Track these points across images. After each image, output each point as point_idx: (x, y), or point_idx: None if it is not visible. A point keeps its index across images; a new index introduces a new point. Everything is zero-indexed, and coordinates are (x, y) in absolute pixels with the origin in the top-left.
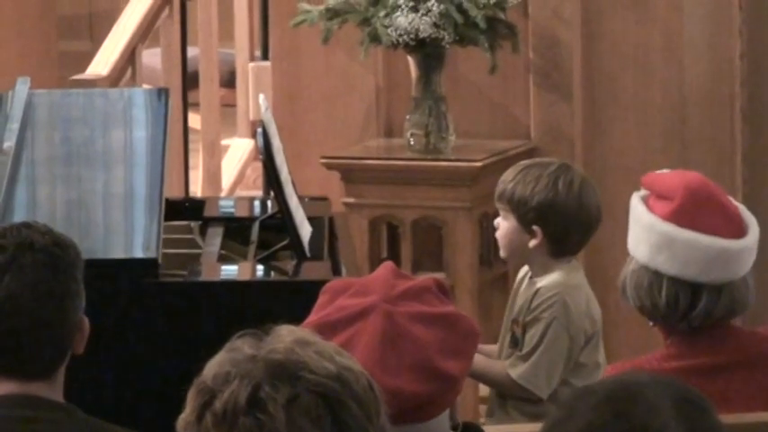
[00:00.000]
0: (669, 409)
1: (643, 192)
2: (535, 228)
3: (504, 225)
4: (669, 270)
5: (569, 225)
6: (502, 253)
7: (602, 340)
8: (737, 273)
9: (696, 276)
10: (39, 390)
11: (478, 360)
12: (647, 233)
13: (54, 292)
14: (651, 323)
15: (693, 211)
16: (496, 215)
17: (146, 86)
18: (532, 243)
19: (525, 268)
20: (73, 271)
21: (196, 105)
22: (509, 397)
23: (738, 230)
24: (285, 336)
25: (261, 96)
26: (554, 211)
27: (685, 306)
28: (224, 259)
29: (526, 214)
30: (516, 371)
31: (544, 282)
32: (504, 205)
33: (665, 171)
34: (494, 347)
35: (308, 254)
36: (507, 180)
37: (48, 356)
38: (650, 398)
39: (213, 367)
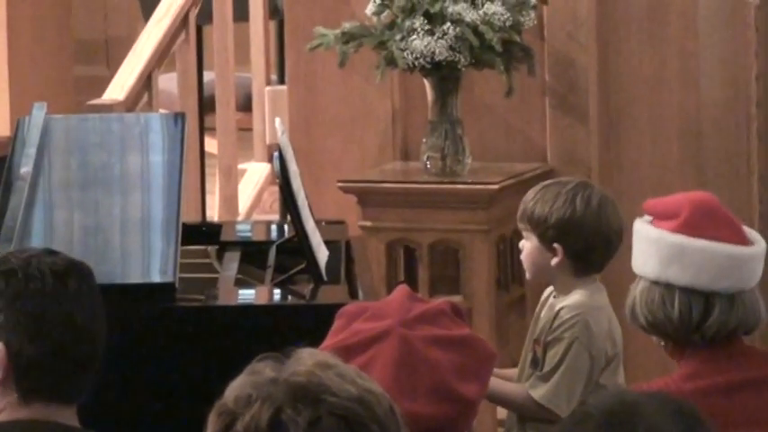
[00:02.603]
0: (669, 425)
1: (646, 218)
2: (556, 246)
3: (526, 246)
4: (681, 280)
5: (589, 242)
6: (527, 274)
7: (622, 363)
8: (748, 282)
9: (708, 284)
10: (65, 415)
11: (497, 383)
12: (655, 248)
13: (104, 317)
14: (662, 343)
15: (701, 222)
16: (513, 238)
17: (162, 111)
18: (554, 261)
19: (550, 288)
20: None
21: (212, 130)
22: (528, 419)
23: (745, 241)
24: (306, 358)
25: (277, 120)
26: (572, 228)
27: (699, 316)
28: (241, 283)
29: (546, 232)
30: (538, 392)
31: (566, 302)
32: (525, 225)
33: (664, 197)
34: (513, 371)
35: (325, 278)
36: (528, 200)
37: (92, 380)
38: (649, 415)
39: (234, 390)
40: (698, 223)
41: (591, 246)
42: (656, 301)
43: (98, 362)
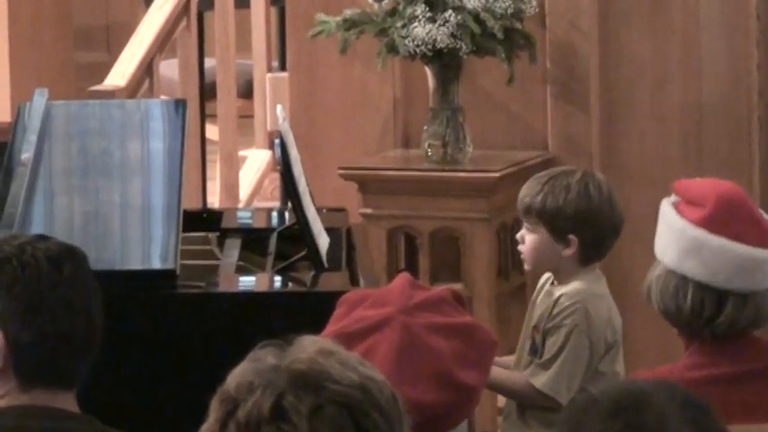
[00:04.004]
0: (677, 414)
1: (673, 198)
2: (571, 237)
3: (532, 238)
4: (696, 275)
5: (604, 230)
6: (528, 265)
7: (622, 349)
8: (764, 283)
9: (723, 283)
10: (65, 400)
11: (497, 372)
12: (676, 238)
13: (98, 300)
14: (675, 329)
15: (725, 218)
16: (514, 226)
17: (163, 97)
18: (567, 252)
19: (546, 275)
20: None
21: (213, 116)
22: (528, 406)
23: (767, 240)
24: (308, 346)
25: (278, 107)
26: (589, 218)
27: (710, 313)
28: (242, 270)
29: (560, 224)
30: (539, 380)
31: (565, 289)
32: (533, 218)
33: (696, 179)
34: (511, 358)
35: (326, 265)
36: (533, 193)
37: (88, 365)
38: (657, 403)
39: (236, 377)
40: (721, 219)
41: (605, 234)
42: (671, 291)
43: (97, 346)
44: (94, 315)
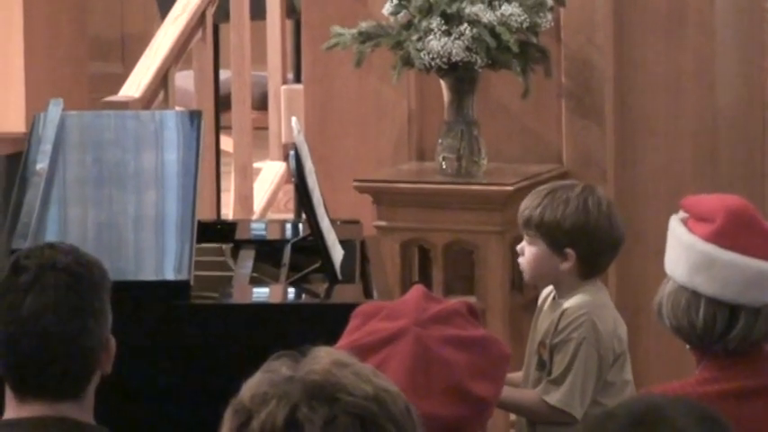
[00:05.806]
0: (694, 429)
1: (682, 214)
2: (568, 250)
3: (531, 250)
4: (708, 290)
5: (602, 245)
6: (527, 277)
7: (629, 358)
8: None
9: (734, 297)
10: (68, 411)
11: (509, 391)
12: (686, 253)
13: (77, 311)
14: (687, 346)
15: (734, 232)
16: None
17: (178, 109)
18: (564, 266)
19: (547, 290)
20: (96, 289)
21: (228, 128)
22: (539, 422)
23: None
24: (322, 357)
25: (293, 119)
26: (587, 233)
27: (722, 327)
28: (256, 282)
29: (558, 238)
30: (553, 396)
31: (570, 303)
32: (532, 231)
33: (703, 195)
34: (519, 374)
35: (340, 277)
36: (533, 206)
37: (74, 375)
38: (674, 419)
39: (250, 388)
40: (731, 234)
41: (602, 249)
42: (682, 306)
43: (73, 357)
44: (51, 328)
